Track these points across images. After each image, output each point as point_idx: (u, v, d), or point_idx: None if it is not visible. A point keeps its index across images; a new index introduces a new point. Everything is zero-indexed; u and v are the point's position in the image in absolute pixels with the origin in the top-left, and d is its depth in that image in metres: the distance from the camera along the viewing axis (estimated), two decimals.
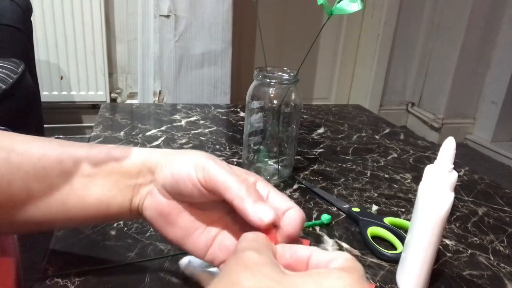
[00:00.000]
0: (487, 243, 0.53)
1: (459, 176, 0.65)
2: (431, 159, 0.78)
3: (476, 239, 0.54)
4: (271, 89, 0.60)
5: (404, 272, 0.43)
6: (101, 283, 0.40)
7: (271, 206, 0.31)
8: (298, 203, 0.58)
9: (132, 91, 2.14)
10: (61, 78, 1.93)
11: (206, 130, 0.82)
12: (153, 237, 0.47)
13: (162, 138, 0.76)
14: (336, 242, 0.51)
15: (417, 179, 0.69)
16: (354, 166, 0.72)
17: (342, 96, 2.62)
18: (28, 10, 1.43)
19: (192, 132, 0.81)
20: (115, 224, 0.49)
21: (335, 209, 0.58)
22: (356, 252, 0.49)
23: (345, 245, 0.50)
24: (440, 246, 0.51)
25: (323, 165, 0.71)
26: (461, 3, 2.27)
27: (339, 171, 0.70)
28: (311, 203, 0.59)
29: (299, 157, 0.73)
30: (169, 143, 0.75)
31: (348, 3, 0.53)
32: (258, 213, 0.30)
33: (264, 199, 0.32)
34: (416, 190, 0.48)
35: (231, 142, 0.78)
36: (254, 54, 2.27)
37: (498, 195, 0.66)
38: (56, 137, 2.02)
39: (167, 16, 1.64)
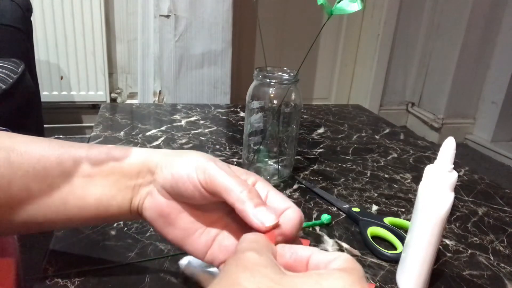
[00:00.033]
0: (487, 243, 0.53)
1: (459, 176, 0.65)
2: (431, 159, 0.78)
3: (476, 239, 0.54)
4: (271, 89, 0.60)
5: (404, 272, 0.43)
6: (101, 283, 0.40)
7: (271, 207, 0.31)
8: (298, 203, 0.58)
9: (132, 91, 2.14)
10: (61, 78, 1.93)
11: (206, 130, 0.82)
12: (153, 237, 0.47)
13: (162, 138, 0.76)
14: (336, 242, 0.51)
15: (417, 179, 0.69)
16: (354, 166, 0.72)
17: (342, 96, 2.62)
18: (28, 10, 1.43)
19: (192, 132, 0.81)
20: (115, 224, 0.49)
21: (335, 209, 0.58)
22: (356, 252, 0.49)
23: (345, 245, 0.50)
24: (440, 246, 0.51)
25: (323, 165, 0.71)
26: (461, 3, 2.27)
27: (339, 171, 0.70)
28: (311, 203, 0.59)
29: (299, 157, 0.73)
30: (169, 143, 0.75)
31: (348, 3, 0.53)
32: (260, 216, 0.30)
33: (264, 201, 0.32)
34: (416, 190, 0.48)
35: (231, 142, 0.78)
36: (254, 54, 2.27)
37: (498, 195, 0.66)
38: (56, 137, 2.02)
39: (167, 16, 1.64)
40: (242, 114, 0.94)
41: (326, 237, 0.51)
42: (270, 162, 0.65)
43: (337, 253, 0.27)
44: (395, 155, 0.78)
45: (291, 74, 0.61)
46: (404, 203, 0.61)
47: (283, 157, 0.65)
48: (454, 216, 0.59)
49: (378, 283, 0.44)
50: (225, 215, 0.35)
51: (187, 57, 1.71)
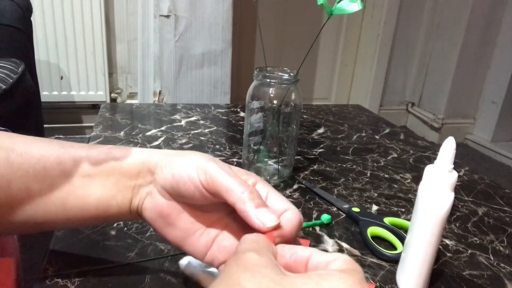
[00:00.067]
0: (487, 243, 0.53)
1: (459, 176, 0.65)
2: (431, 159, 0.78)
3: (476, 239, 0.54)
4: (271, 89, 0.60)
5: (404, 272, 0.43)
6: (101, 283, 0.40)
7: (272, 208, 0.31)
8: (298, 203, 0.58)
9: (132, 91, 2.14)
10: (61, 78, 1.93)
11: (206, 130, 0.82)
12: (153, 237, 0.47)
13: (162, 138, 0.76)
14: (336, 242, 0.51)
15: (417, 179, 0.69)
16: (354, 166, 0.72)
17: (342, 96, 2.62)
18: (28, 10, 1.43)
19: (192, 132, 0.81)
20: (115, 224, 0.49)
21: (335, 209, 0.58)
22: (356, 252, 0.49)
23: (345, 245, 0.50)
24: (440, 246, 0.51)
25: (323, 165, 0.71)
26: (461, 3, 2.27)
27: (339, 171, 0.70)
28: (311, 203, 0.59)
29: (299, 157, 0.73)
30: (169, 143, 0.75)
31: (348, 3, 0.53)
32: (261, 217, 0.30)
33: (265, 202, 0.32)
34: (416, 190, 0.48)
35: (231, 142, 0.78)
36: (254, 54, 2.27)
37: (498, 195, 0.66)
38: (56, 137, 2.02)
39: (167, 16, 1.64)
40: (242, 114, 0.94)
41: (326, 237, 0.51)
42: (270, 162, 0.65)
43: (336, 254, 0.27)
44: (395, 155, 0.78)
45: (291, 74, 0.61)
46: (404, 203, 0.61)
47: (283, 157, 0.65)
48: (454, 216, 0.59)
49: (378, 283, 0.44)
50: (225, 215, 0.35)
51: (187, 57, 1.71)
